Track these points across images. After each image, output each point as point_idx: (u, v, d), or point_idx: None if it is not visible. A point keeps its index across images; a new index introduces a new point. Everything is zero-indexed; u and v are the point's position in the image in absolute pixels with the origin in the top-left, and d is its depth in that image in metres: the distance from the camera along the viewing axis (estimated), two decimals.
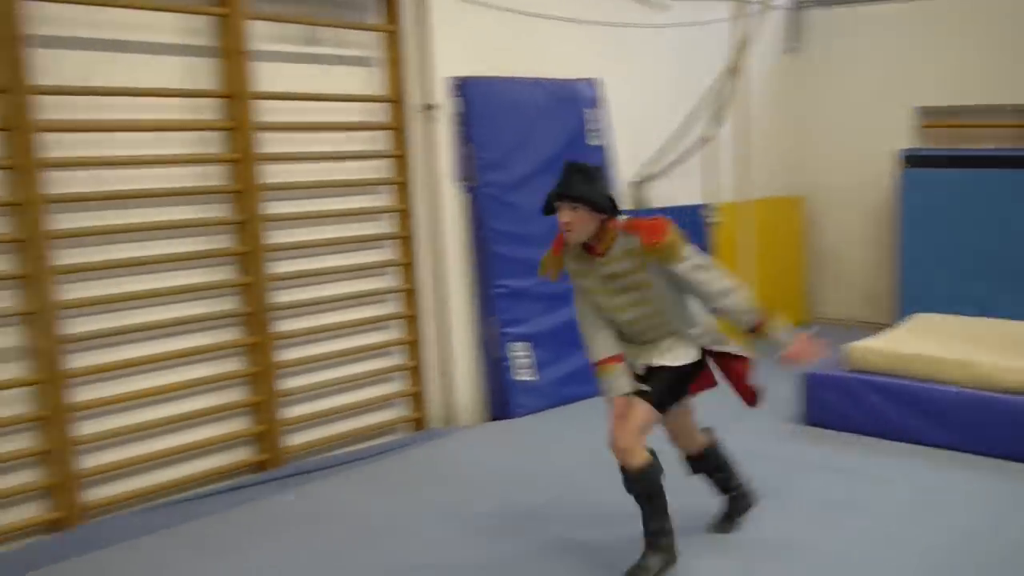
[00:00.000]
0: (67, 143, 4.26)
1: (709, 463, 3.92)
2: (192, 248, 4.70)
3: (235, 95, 4.72)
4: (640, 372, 3.62)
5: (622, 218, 3.48)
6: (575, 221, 3.38)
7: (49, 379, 4.20)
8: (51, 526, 4.27)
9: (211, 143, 4.76)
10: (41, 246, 4.13)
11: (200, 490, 4.71)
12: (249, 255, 4.83)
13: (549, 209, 3.46)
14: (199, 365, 4.78)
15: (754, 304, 3.49)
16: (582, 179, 3.38)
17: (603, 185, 3.43)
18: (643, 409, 3.48)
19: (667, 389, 3.55)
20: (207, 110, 4.73)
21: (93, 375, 4.39)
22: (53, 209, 4.20)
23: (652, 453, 3.52)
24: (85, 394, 4.38)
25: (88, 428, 4.40)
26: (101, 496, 4.44)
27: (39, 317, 4.15)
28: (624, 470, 3.51)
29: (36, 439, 4.24)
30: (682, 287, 3.49)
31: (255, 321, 4.87)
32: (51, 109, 4.19)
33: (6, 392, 4.16)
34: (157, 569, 3.87)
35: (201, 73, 4.70)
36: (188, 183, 4.67)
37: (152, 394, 4.59)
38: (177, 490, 4.67)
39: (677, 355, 3.57)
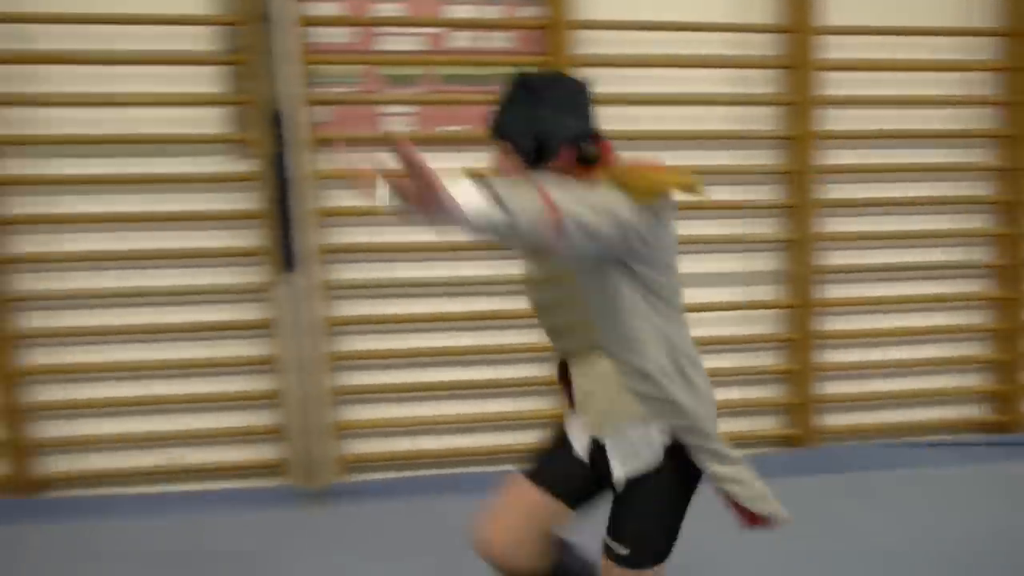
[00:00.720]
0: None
1: None
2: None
3: None
4: (581, 450, 2.21)
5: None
6: (505, 165, 2.04)
7: (802, 304, 4.46)
8: (785, 441, 4.56)
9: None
10: (807, 180, 4.36)
11: (930, 439, 4.66)
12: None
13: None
14: (934, 314, 4.70)
15: None
16: (527, 102, 2.02)
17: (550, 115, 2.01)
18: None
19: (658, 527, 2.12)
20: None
21: (843, 307, 4.56)
22: (820, 145, 4.40)
23: None
24: (833, 324, 4.57)
25: (833, 356, 4.59)
26: (836, 423, 4.63)
27: (799, 246, 4.41)
28: None
29: (783, 359, 4.54)
30: (638, 297, 2.00)
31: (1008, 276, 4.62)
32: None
33: (763, 312, 4.52)
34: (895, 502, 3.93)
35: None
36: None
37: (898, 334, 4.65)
38: (908, 433, 4.68)
39: (643, 444, 2.07)
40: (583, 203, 1.81)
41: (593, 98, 2.08)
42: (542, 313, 2.22)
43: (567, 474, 2.24)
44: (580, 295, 2.06)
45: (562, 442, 2.27)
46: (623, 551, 2.12)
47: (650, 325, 2.01)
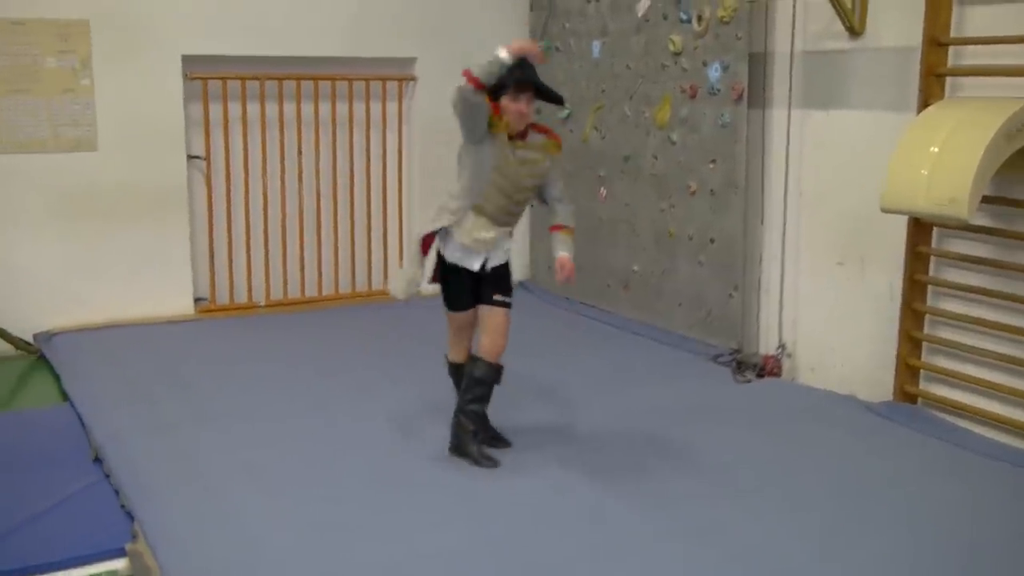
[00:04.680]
0: None
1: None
2: None
3: None
4: (475, 268, 4.08)
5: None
6: (527, 110, 3.97)
7: None
8: None
9: None
10: None
11: None
12: None
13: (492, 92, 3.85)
14: None
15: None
16: (535, 73, 3.94)
17: None
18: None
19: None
20: None
21: None
22: None
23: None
24: None
25: None
26: None
27: None
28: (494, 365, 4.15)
29: None
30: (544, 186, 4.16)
31: None
32: None
33: None
34: None
35: None
36: None
37: None
38: None
39: (506, 252, 4.17)
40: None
41: None
42: (512, 205, 4.07)
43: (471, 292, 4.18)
44: (530, 197, 4.19)
45: (461, 283, 4.15)
46: (510, 299, 4.18)
47: None
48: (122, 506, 3.83)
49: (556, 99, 4.18)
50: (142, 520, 3.63)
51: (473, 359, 4.23)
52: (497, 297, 4.15)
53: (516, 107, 3.95)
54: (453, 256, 4.10)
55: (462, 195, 4.05)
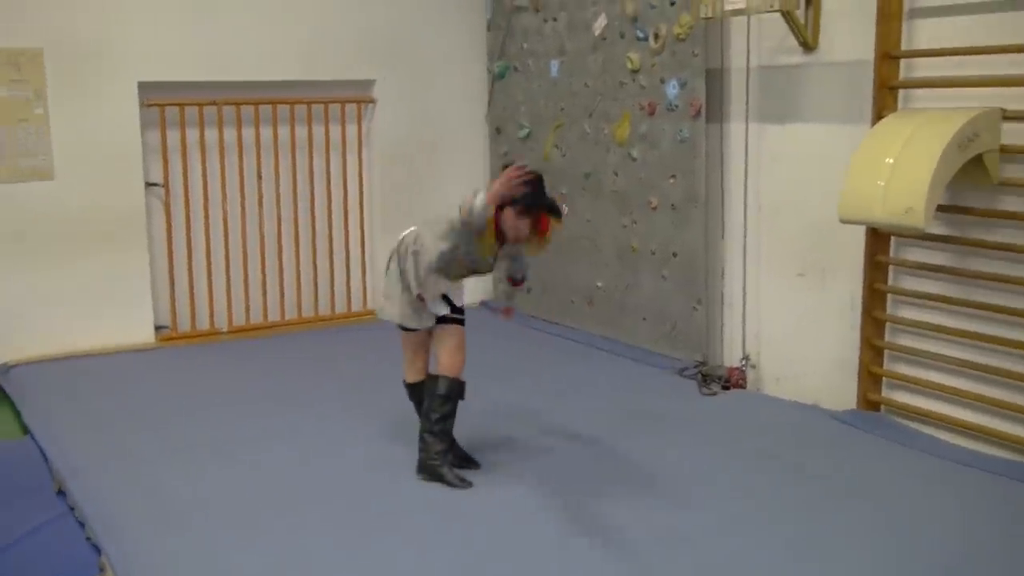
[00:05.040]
0: None
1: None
2: None
3: None
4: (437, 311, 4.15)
5: None
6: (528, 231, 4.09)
7: None
8: None
9: None
10: None
11: None
12: None
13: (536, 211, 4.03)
14: None
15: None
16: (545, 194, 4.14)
17: None
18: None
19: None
20: None
21: None
22: None
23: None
24: None
25: None
26: None
27: None
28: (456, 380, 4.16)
29: None
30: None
31: None
32: None
33: None
34: None
35: None
36: None
37: None
38: None
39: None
40: None
41: None
42: (471, 271, 4.18)
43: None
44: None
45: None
46: (462, 316, 4.22)
47: None
48: (88, 539, 3.77)
49: (558, 213, 4.17)
50: (109, 553, 3.57)
51: (433, 377, 4.22)
52: (448, 315, 4.18)
53: (517, 224, 4.01)
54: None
55: (431, 267, 4.08)
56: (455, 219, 3.99)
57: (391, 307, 4.19)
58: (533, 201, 4.01)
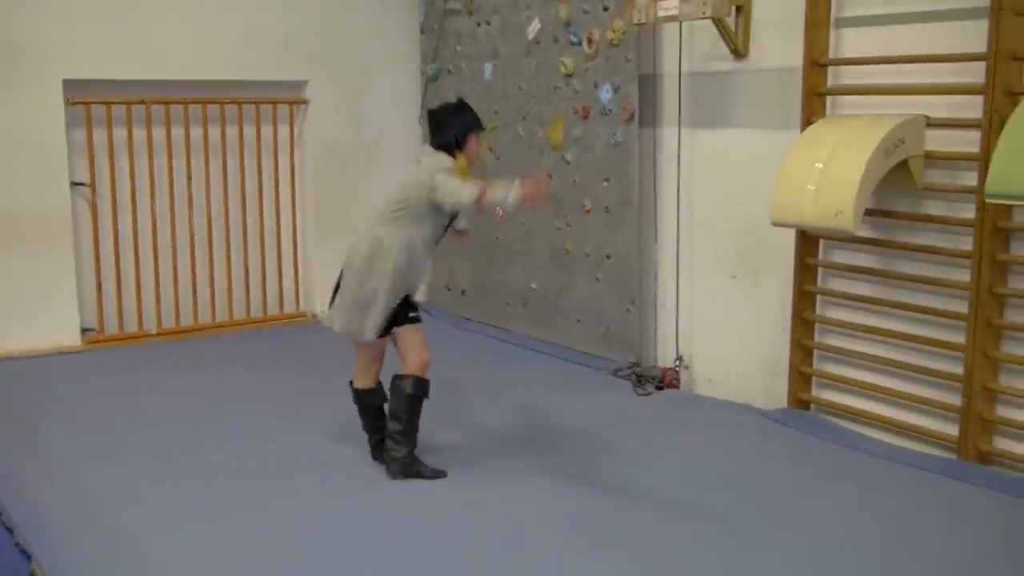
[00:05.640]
0: None
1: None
2: None
3: None
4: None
5: None
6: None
7: None
8: None
9: None
10: None
11: None
12: None
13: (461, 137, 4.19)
14: None
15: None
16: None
17: None
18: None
19: None
20: None
21: None
22: None
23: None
24: None
25: None
26: None
27: None
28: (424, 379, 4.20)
29: None
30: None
31: None
32: None
33: None
34: None
35: None
36: None
37: None
38: None
39: None
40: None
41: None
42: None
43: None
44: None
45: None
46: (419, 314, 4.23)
47: None
48: (16, 544, 3.68)
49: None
50: (40, 560, 3.48)
51: (400, 378, 4.21)
52: (412, 314, 4.20)
53: (479, 146, 4.28)
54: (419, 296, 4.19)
55: (428, 244, 4.17)
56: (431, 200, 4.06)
57: (369, 320, 4.10)
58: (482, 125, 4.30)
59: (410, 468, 4.21)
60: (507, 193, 3.86)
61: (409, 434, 4.21)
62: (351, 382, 4.40)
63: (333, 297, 4.25)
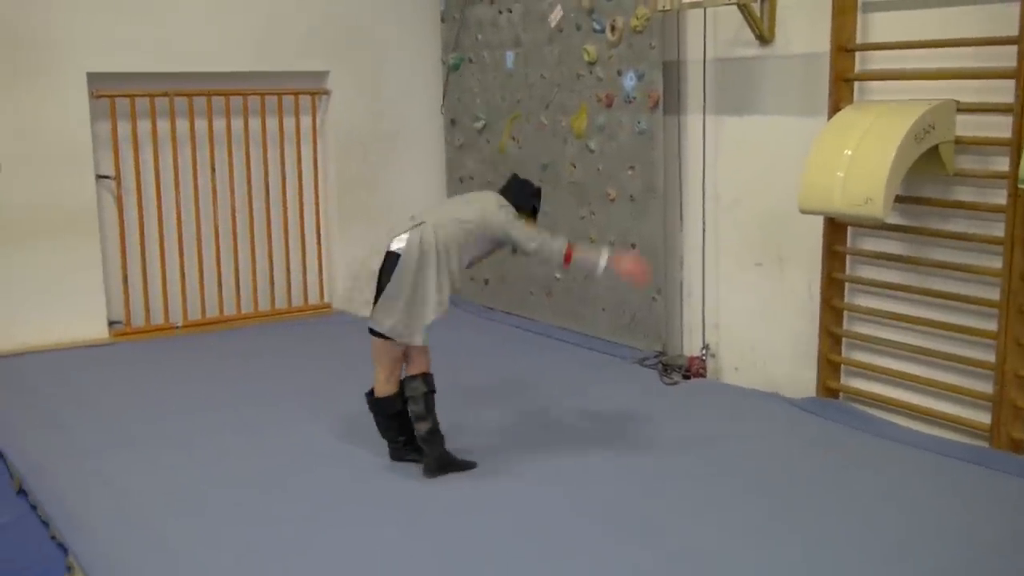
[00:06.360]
0: None
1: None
2: None
3: None
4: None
5: None
6: None
7: None
8: None
9: None
10: None
11: None
12: None
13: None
14: None
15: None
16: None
17: None
18: None
19: None
20: None
21: None
22: None
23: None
24: None
25: None
26: None
27: None
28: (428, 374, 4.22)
29: None
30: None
31: None
32: None
33: None
34: None
35: None
36: None
37: None
38: None
39: None
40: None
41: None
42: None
43: None
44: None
45: None
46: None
47: None
48: (52, 537, 3.71)
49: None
50: (77, 552, 3.51)
51: (412, 378, 4.21)
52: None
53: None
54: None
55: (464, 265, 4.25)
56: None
57: (419, 323, 4.07)
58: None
59: (445, 462, 4.22)
60: (599, 259, 4.11)
61: (436, 430, 4.22)
62: (369, 394, 4.35)
63: (377, 295, 4.15)
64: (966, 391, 4.49)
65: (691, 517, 3.78)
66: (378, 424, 4.35)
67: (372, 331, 4.15)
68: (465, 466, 4.24)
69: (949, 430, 4.56)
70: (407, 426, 4.27)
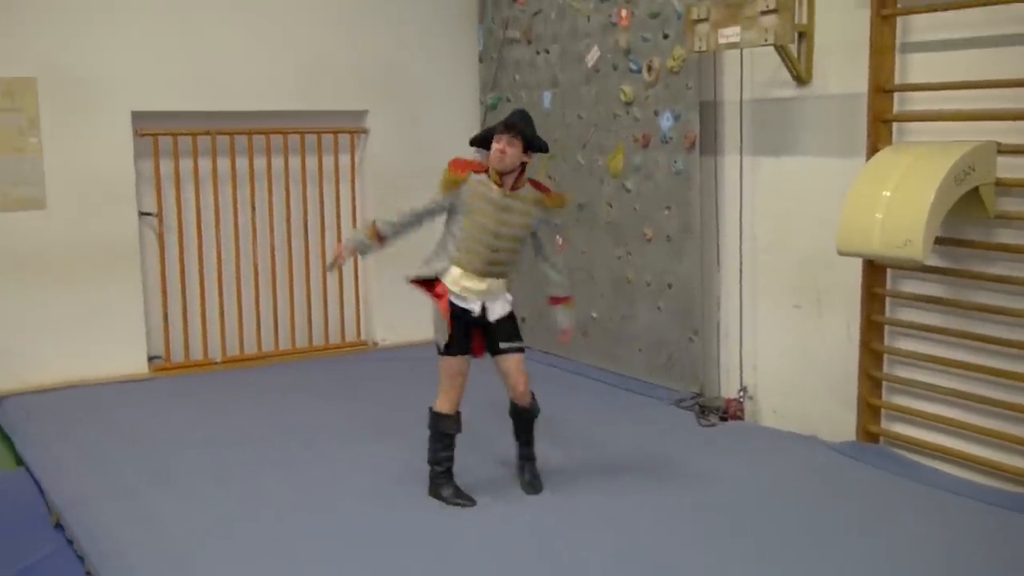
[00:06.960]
0: None
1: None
2: None
3: None
4: (475, 311, 4.22)
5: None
6: (508, 150, 4.12)
7: None
8: None
9: None
10: None
11: None
12: None
13: (480, 142, 4.36)
14: None
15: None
16: (525, 121, 4.20)
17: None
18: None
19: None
20: None
21: None
22: None
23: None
24: None
25: None
26: None
27: None
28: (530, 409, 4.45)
29: None
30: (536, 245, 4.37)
31: None
32: None
33: None
34: None
35: None
36: None
37: None
38: None
39: (507, 302, 4.34)
40: None
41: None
42: (493, 252, 4.19)
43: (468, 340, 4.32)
44: (518, 247, 4.31)
45: (459, 329, 4.25)
46: (518, 343, 4.37)
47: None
48: (88, 573, 3.73)
49: (541, 147, 4.33)
50: None
51: (516, 408, 4.46)
52: (504, 344, 4.33)
53: (496, 147, 4.16)
54: (453, 297, 4.23)
55: (439, 249, 4.29)
56: None
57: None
58: (507, 121, 4.30)
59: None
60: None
61: (532, 453, 4.56)
62: (436, 409, 4.35)
63: None
64: (1010, 437, 4.40)
65: (727, 563, 3.73)
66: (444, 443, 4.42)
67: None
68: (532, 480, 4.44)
69: (992, 477, 4.47)
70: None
